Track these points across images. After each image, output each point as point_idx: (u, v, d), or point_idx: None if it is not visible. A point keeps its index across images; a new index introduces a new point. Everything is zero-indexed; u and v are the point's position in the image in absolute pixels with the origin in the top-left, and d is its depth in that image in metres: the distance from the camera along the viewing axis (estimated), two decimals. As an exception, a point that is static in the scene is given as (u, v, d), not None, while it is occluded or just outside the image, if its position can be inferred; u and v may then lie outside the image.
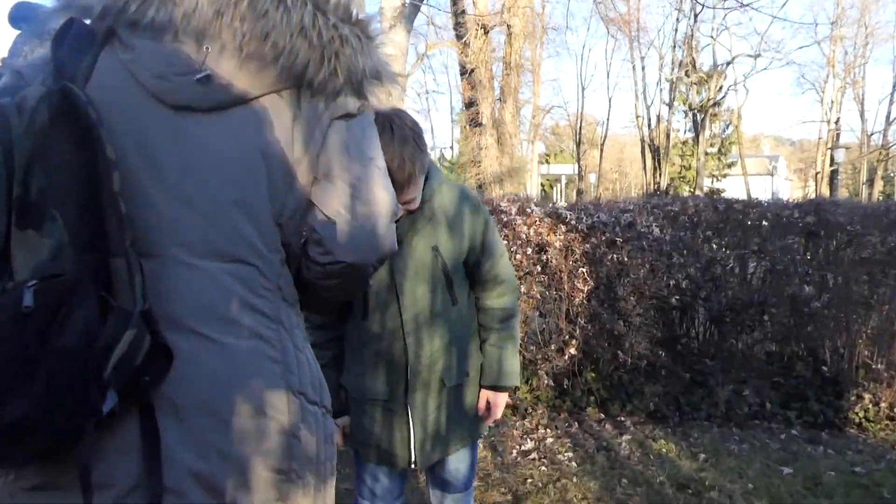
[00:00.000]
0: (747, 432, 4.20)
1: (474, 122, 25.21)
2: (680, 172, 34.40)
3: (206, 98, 1.12)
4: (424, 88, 34.51)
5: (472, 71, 23.81)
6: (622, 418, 4.41)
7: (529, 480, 3.56)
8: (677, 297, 4.16)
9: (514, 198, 4.36)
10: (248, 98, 1.14)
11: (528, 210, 4.11)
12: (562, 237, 4.08)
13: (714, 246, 4.22)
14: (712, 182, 32.87)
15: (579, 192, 35.06)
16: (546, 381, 4.39)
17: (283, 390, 1.14)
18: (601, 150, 37.71)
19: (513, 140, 25.88)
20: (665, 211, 4.37)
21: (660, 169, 31.34)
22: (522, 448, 3.95)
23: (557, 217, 4.12)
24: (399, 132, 1.75)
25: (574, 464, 3.76)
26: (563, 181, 40.45)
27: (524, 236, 4.05)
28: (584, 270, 4.02)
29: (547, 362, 4.30)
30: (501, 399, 2.11)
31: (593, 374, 4.57)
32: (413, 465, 2.02)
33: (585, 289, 4.09)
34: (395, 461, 2.03)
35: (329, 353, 2.02)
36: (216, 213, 1.12)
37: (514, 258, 4.08)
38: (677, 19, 30.91)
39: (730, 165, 34.55)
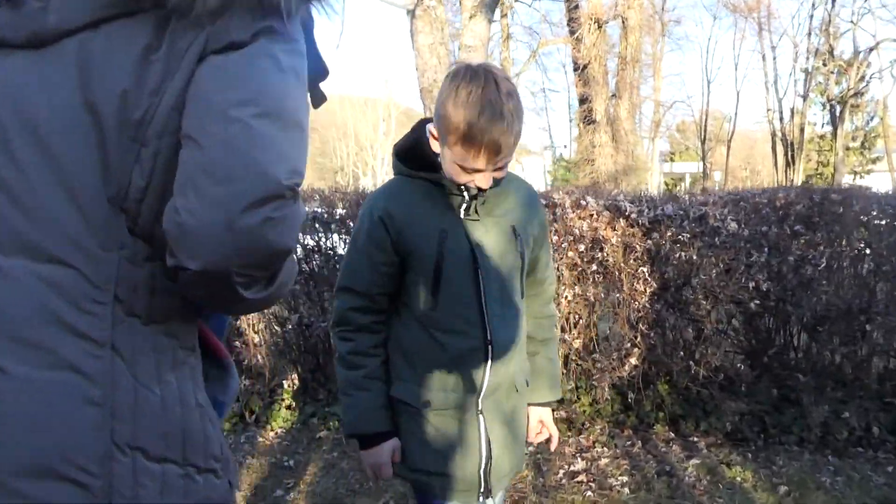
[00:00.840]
0: (846, 462, 3.57)
1: (588, 120, 24.52)
2: (817, 169, 31.87)
3: (17, 26, 0.84)
4: (540, 87, 33.92)
5: (585, 67, 23.15)
6: (695, 438, 3.88)
7: (569, 507, 3.16)
8: (757, 302, 3.60)
9: (570, 189, 3.94)
10: (77, 27, 0.83)
11: (583, 202, 3.69)
12: (620, 232, 3.63)
13: (804, 242, 3.61)
14: (853, 179, 30.15)
15: (704, 191, 33.35)
16: (606, 394, 3.94)
17: (100, 444, 0.83)
18: (728, 147, 35.58)
19: (628, 137, 24.94)
20: (752, 203, 3.80)
21: (793, 165, 29.14)
22: (571, 468, 3.54)
23: (616, 210, 3.67)
24: (505, 86, 1.49)
25: (627, 490, 3.31)
26: (688, 180, 38.65)
27: (577, 231, 3.64)
28: (646, 270, 3.55)
29: (607, 372, 3.86)
30: (550, 416, 1.90)
31: (666, 387, 4.07)
32: (483, 493, 1.69)
33: (647, 290, 3.61)
34: (466, 486, 1.68)
35: (376, 361, 1.70)
36: (25, 192, 0.83)
37: (566, 256, 3.67)
38: (813, 4, 28.67)
39: (874, 161, 31.56)
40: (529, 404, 1.84)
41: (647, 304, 3.64)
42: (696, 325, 3.64)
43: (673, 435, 3.93)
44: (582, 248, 3.62)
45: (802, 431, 3.77)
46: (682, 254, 3.57)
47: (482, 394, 1.65)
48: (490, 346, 1.63)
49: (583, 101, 24.37)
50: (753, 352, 3.87)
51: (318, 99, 1.11)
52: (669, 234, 3.58)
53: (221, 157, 0.81)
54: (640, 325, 3.64)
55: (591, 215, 3.67)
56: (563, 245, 3.62)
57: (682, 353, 3.66)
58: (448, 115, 1.49)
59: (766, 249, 3.60)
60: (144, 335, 0.89)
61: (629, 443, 3.85)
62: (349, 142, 42.94)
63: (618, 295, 3.66)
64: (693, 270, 3.58)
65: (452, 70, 1.56)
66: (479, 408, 1.66)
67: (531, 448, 3.67)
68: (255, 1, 0.85)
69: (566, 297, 3.71)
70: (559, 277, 3.75)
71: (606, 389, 3.92)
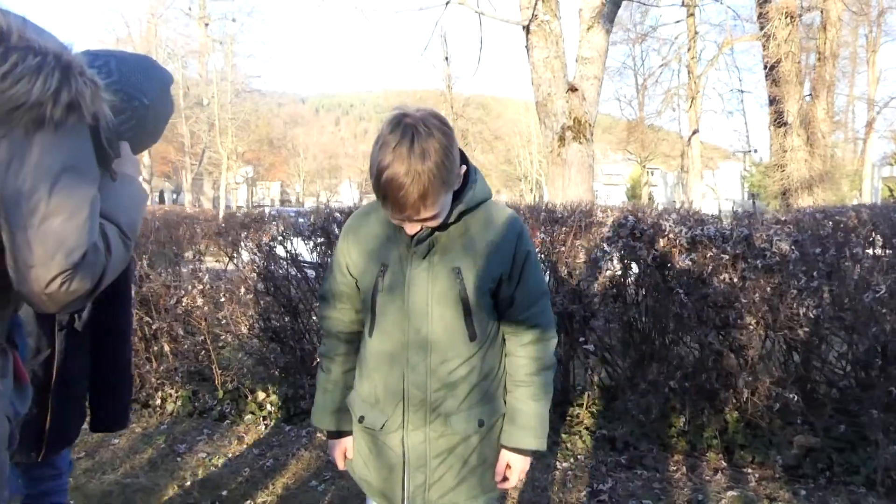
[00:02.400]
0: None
1: (778, 122, 22.79)
2: None
3: None
4: (731, 88, 31.90)
5: (776, 65, 21.56)
6: (749, 470, 3.68)
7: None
8: (806, 329, 3.36)
9: (609, 207, 3.91)
10: None
11: (624, 222, 3.66)
12: (660, 251, 3.57)
13: (867, 266, 3.32)
14: None
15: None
16: (654, 415, 3.87)
17: None
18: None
19: (826, 140, 22.82)
20: (814, 221, 3.56)
21: None
22: (598, 486, 3.53)
23: (658, 229, 3.61)
24: (419, 144, 1.52)
25: (643, 514, 3.26)
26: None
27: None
28: (682, 291, 3.46)
29: (652, 394, 3.78)
30: (521, 463, 1.84)
31: (735, 414, 3.89)
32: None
33: (684, 312, 3.52)
34: (385, 501, 1.86)
35: (339, 368, 1.92)
36: None
37: (604, 274, 3.67)
38: None
39: None
40: (501, 445, 1.84)
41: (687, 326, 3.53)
42: (739, 351, 3.48)
43: (725, 464, 3.76)
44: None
45: (871, 473, 3.44)
46: (726, 276, 3.43)
47: (405, 426, 1.76)
48: (405, 384, 1.74)
49: (773, 101, 22.70)
50: (815, 381, 3.60)
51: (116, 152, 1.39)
52: (710, 254, 3.46)
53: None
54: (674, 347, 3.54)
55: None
56: (599, 264, 3.62)
57: (720, 379, 3.50)
58: (370, 161, 1.57)
59: (821, 273, 3.35)
60: None
61: (674, 468, 3.75)
62: (532, 149, 43.20)
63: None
64: (735, 294, 3.43)
65: (389, 116, 1.60)
66: (403, 438, 1.77)
67: (557, 465, 3.72)
68: None
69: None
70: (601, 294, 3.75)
71: (654, 410, 3.85)
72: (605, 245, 3.68)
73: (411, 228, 1.66)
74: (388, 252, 1.76)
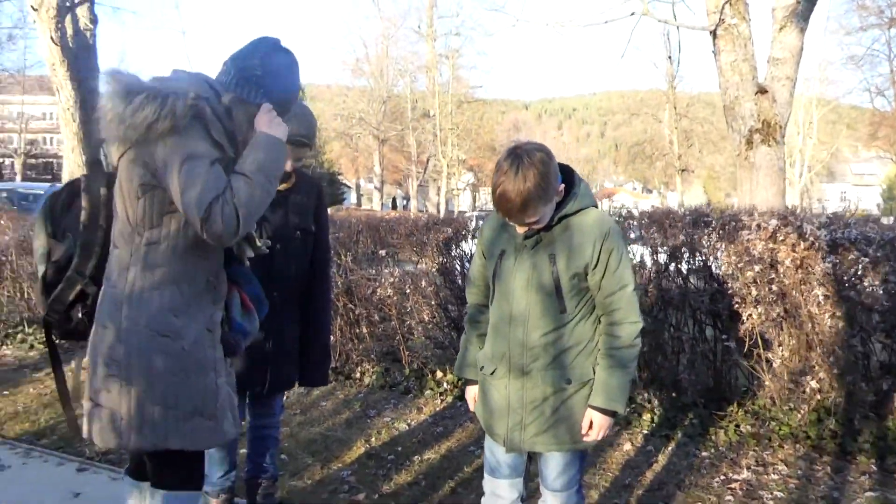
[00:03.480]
0: None
1: None
2: None
3: None
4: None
5: None
6: (901, 476, 3.63)
7: None
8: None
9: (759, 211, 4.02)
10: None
11: (765, 225, 3.81)
12: (799, 254, 3.67)
13: None
14: None
15: None
16: (804, 415, 3.94)
17: None
18: None
19: None
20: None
21: None
22: (732, 476, 3.72)
23: (799, 233, 3.71)
24: (522, 171, 2.08)
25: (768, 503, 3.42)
26: None
27: (754, 252, 3.79)
28: (819, 293, 3.55)
29: (800, 397, 3.87)
30: (602, 421, 2.23)
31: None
32: (507, 443, 2.31)
33: (825, 315, 3.59)
34: (495, 437, 2.36)
35: (474, 331, 2.53)
36: None
37: (744, 275, 3.84)
38: None
39: None
40: (588, 405, 2.25)
41: (828, 328, 3.60)
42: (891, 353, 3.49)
43: (875, 468, 3.73)
44: (758, 268, 3.76)
45: None
46: (868, 279, 3.47)
47: (509, 377, 2.28)
48: (509, 344, 2.28)
49: None
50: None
51: None
52: (851, 257, 3.51)
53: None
54: (817, 348, 3.62)
55: (769, 235, 3.77)
56: (738, 266, 3.81)
57: (868, 382, 3.53)
58: (491, 181, 2.24)
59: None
60: None
61: (818, 467, 3.80)
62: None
63: (795, 319, 3.70)
64: (877, 298, 3.45)
65: (507, 147, 2.20)
66: (508, 384, 2.31)
67: (696, 453, 3.96)
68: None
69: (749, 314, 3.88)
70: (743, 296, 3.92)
71: (804, 409, 3.93)
72: (748, 248, 3.85)
73: (521, 229, 2.24)
74: (506, 242, 2.34)
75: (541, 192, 2.10)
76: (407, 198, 56.38)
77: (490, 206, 2.58)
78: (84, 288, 2.14)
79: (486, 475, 2.44)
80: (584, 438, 2.28)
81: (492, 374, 2.34)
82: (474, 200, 63.94)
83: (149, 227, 1.96)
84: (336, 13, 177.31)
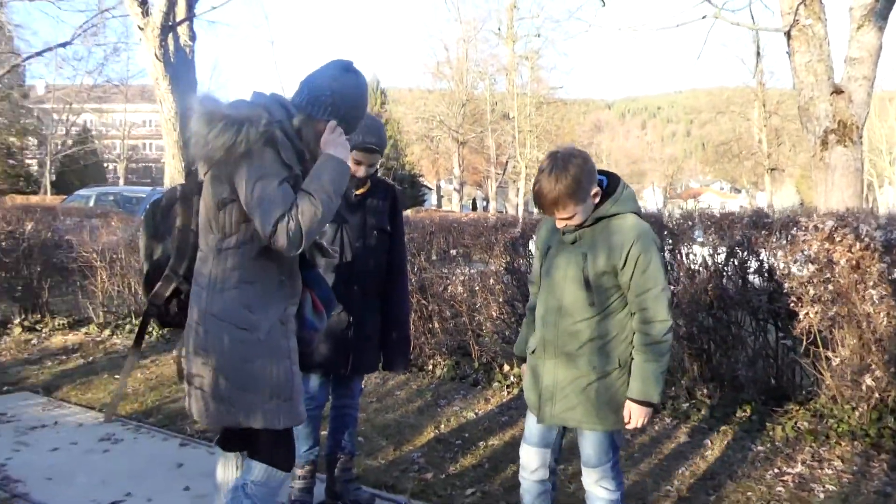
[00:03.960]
0: None
1: None
2: None
3: None
4: None
5: None
6: (960, 475, 3.66)
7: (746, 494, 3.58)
8: None
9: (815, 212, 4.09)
10: None
11: (821, 226, 3.91)
12: (855, 254, 3.76)
13: None
14: None
15: None
16: (863, 413, 4.01)
17: None
18: None
19: None
20: None
21: None
22: (785, 469, 3.84)
23: (855, 233, 3.79)
24: (555, 172, 2.42)
25: (821, 496, 3.53)
26: None
27: (809, 252, 3.90)
28: (874, 294, 3.64)
29: (858, 393, 3.94)
30: (639, 411, 2.49)
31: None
32: (539, 416, 2.64)
33: (881, 313, 3.67)
34: (531, 409, 2.70)
35: (530, 318, 2.85)
36: None
37: (800, 275, 3.95)
38: None
39: None
40: (626, 397, 2.51)
41: (882, 326, 3.68)
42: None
43: (934, 467, 3.77)
44: (812, 268, 3.87)
45: None
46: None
47: (545, 356, 2.61)
48: (546, 329, 2.62)
49: None
50: None
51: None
52: (906, 258, 3.58)
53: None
54: (873, 347, 3.71)
55: (824, 236, 3.86)
56: (791, 265, 3.93)
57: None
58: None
59: None
60: None
61: (875, 464, 3.86)
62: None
63: (850, 316, 3.78)
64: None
65: (549, 152, 2.58)
66: (544, 365, 2.62)
67: (752, 447, 4.08)
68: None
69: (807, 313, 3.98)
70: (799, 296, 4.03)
71: (862, 407, 4.00)
72: (804, 248, 3.96)
73: (559, 223, 2.56)
74: (555, 240, 2.67)
75: (571, 192, 2.41)
76: (487, 199, 56.71)
77: None
78: (178, 285, 2.45)
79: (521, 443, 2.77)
80: (626, 426, 2.54)
81: (533, 353, 2.69)
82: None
83: (227, 234, 2.25)
84: (417, 18, 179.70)
